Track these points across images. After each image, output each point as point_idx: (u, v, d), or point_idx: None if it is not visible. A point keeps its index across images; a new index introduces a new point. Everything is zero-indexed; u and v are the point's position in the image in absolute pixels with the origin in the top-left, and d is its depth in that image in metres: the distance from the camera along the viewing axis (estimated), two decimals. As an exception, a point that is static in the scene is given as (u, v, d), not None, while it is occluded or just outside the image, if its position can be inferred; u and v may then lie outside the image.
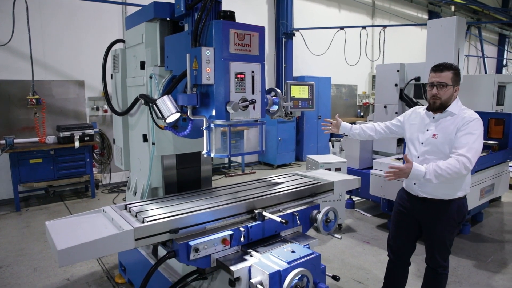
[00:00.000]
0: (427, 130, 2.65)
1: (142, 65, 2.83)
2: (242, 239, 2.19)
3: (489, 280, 3.70)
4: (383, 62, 9.27)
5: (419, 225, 2.76)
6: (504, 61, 20.11)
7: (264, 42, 2.40)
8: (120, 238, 1.80)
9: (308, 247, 2.33)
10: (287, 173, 3.25)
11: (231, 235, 2.13)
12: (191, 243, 1.98)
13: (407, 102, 5.25)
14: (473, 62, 17.82)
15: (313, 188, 2.78)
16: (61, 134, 6.09)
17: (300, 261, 2.00)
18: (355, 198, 6.06)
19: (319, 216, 2.51)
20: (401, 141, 5.56)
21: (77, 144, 6.07)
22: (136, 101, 2.89)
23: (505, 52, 19.96)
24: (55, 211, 5.85)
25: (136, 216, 2.12)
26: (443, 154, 2.52)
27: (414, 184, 2.69)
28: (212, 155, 2.34)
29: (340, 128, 3.16)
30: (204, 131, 2.34)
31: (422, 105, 3.02)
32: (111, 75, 3.49)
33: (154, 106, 2.35)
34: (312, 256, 2.07)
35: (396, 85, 5.35)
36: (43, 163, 5.98)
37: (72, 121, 6.68)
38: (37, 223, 5.28)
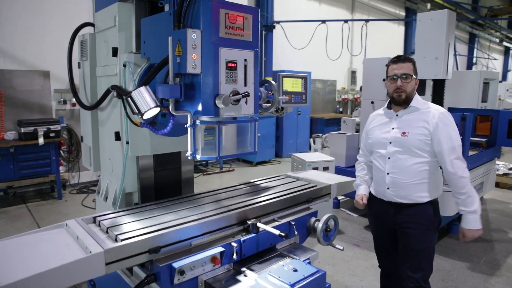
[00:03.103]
0: (392, 128, 2.45)
1: (115, 52, 2.44)
2: (234, 256, 1.87)
3: (486, 284, 3.55)
4: (365, 57, 9.12)
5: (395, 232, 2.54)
6: (474, 59, 20.65)
7: (258, 26, 2.07)
8: (86, 264, 1.44)
9: (309, 262, 2.05)
10: (278, 175, 2.95)
11: (221, 252, 1.81)
12: (176, 264, 1.64)
13: (395, 98, 5.05)
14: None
15: (310, 193, 2.50)
16: (22, 130, 5.54)
17: (304, 282, 1.72)
18: (340, 197, 5.85)
19: (319, 226, 2.23)
20: (388, 138, 5.38)
21: (41, 140, 5.54)
22: (107, 93, 2.50)
23: (475, 50, 20.48)
24: (15, 215, 5.30)
25: (107, 232, 1.75)
26: (414, 152, 2.36)
27: (388, 189, 2.44)
28: (198, 157, 2.00)
29: (367, 191, 2.74)
30: (189, 129, 1.99)
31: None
32: (78, 63, 3.07)
33: (129, 99, 1.98)
34: (317, 275, 1.79)
35: (384, 80, 5.13)
36: (1, 161, 5.42)
37: (37, 115, 6.11)
38: (-6, 230, 4.76)
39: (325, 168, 4.64)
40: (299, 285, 1.68)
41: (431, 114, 2.35)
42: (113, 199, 2.62)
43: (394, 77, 2.39)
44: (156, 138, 2.43)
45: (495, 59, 21.52)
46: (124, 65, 2.30)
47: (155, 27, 2.14)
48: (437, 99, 4.57)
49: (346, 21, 8.93)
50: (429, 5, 14.53)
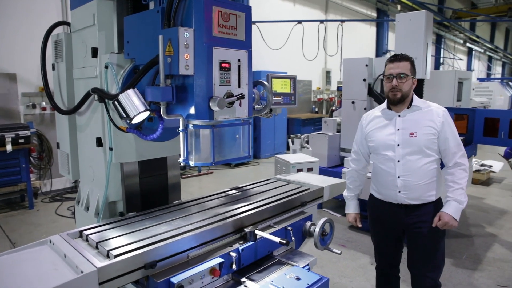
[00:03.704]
0: (398, 130, 2.41)
1: (94, 52, 2.29)
2: (233, 266, 1.78)
3: (470, 279, 3.62)
4: (341, 57, 9.23)
5: (403, 232, 2.54)
6: (441, 59, 21.42)
7: (250, 25, 1.99)
8: (77, 285, 1.30)
9: (309, 269, 1.98)
10: (268, 178, 2.87)
11: (220, 264, 1.71)
12: (174, 279, 1.53)
13: (376, 97, 5.10)
14: (416, 60, 18.65)
15: (304, 196, 2.44)
16: (-12, 137, 5.20)
17: (309, 291, 1.64)
18: (322, 197, 5.84)
19: (317, 230, 2.17)
20: (369, 138, 5.42)
21: (9, 147, 5.22)
22: (87, 96, 2.34)
23: (442, 50, 21.24)
24: (-18, 228, 4.97)
25: (97, 248, 1.61)
26: (425, 152, 2.36)
27: (399, 192, 2.42)
28: (192, 163, 1.89)
29: (358, 209, 2.79)
30: (181, 133, 1.88)
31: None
32: (53, 65, 2.87)
33: (116, 103, 1.84)
34: (322, 282, 1.72)
35: (364, 80, 5.18)
36: (-34, 171, 5.07)
37: (3, 121, 5.76)
38: (-40, 244, 4.43)
39: (310, 169, 4.60)
40: (305, 295, 1.61)
41: (435, 113, 2.36)
42: (95, 209, 2.47)
43: (390, 76, 2.36)
44: (142, 144, 2.30)
45: (460, 59, 22.38)
46: (106, 67, 2.16)
47: (140, 26, 2.01)
48: (417, 98, 4.63)
49: (322, 21, 9.00)
50: (399, 7, 14.90)
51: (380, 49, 15.62)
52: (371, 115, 2.62)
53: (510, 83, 13.44)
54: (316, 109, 12.71)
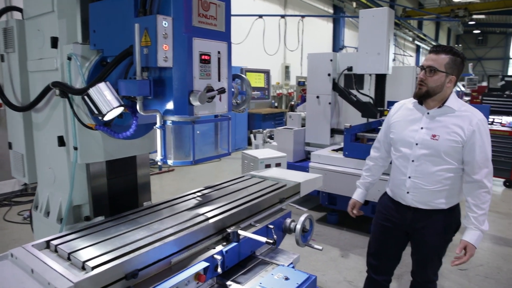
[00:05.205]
0: (421, 128, 2.23)
1: (54, 42, 2.07)
2: (218, 269, 1.69)
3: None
4: (301, 52, 9.32)
5: (407, 237, 2.45)
6: (393, 55, 22.39)
7: (230, 16, 1.89)
8: (53, 304, 1.16)
9: (293, 267, 1.94)
10: (243, 175, 2.79)
11: (205, 268, 1.62)
12: (158, 289, 1.42)
13: (340, 92, 5.17)
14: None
15: (282, 192, 2.39)
16: None
17: (300, 291, 1.59)
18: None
19: (298, 227, 2.14)
20: (334, 132, 5.50)
21: None
22: (46, 91, 2.12)
23: (394, 47, 22.21)
24: None
25: (69, 259, 1.45)
26: (442, 158, 2.17)
27: (408, 193, 2.29)
28: (170, 162, 1.77)
29: (362, 199, 2.68)
30: (158, 131, 1.75)
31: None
32: (2, 56, 2.59)
33: (85, 98, 1.67)
34: (310, 281, 1.68)
35: (329, 75, 5.23)
36: None
37: None
38: None
39: (278, 164, 4.58)
40: (296, 296, 1.56)
41: (468, 120, 2.13)
42: (57, 214, 2.26)
43: (422, 67, 2.17)
44: (110, 142, 2.13)
45: (410, 55, 23.52)
46: (69, 58, 1.96)
47: (109, 14, 1.84)
48: (379, 93, 4.76)
49: (283, 16, 9.01)
50: (354, 4, 15.32)
51: (337, 45, 15.99)
52: (403, 104, 2.42)
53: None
54: (276, 104, 12.76)
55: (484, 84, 15.14)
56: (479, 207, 2.17)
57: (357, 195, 2.67)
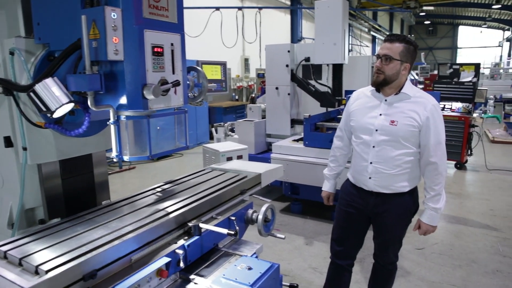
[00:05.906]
0: (380, 114, 2.30)
1: (-6, 36, 1.95)
2: (181, 264, 1.68)
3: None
4: (260, 44, 9.33)
5: (369, 222, 2.54)
6: (350, 46, 23.00)
7: (182, 7, 1.86)
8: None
9: (256, 257, 1.96)
10: (203, 168, 2.78)
11: (167, 263, 1.60)
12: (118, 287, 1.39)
13: (299, 82, 5.24)
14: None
15: (243, 184, 2.40)
16: None
17: (263, 279, 1.62)
18: (252, 184, 5.90)
19: (260, 217, 2.16)
20: (294, 122, 5.58)
21: None
22: (-13, 89, 1.99)
23: (350, 38, 22.80)
24: None
25: (20, 264, 1.38)
26: (401, 144, 2.25)
27: (370, 178, 2.36)
28: (126, 158, 1.73)
29: (334, 189, 2.76)
30: (112, 126, 1.70)
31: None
32: None
33: (32, 95, 1.59)
34: (273, 269, 1.71)
35: (287, 65, 5.28)
36: None
37: None
38: None
39: (239, 157, 4.59)
40: (259, 283, 1.58)
41: (423, 106, 2.22)
42: (8, 218, 2.14)
43: (377, 56, 2.22)
44: (63, 140, 2.04)
45: (366, 46, 24.24)
46: (12, 53, 1.85)
47: (54, 5, 1.75)
48: (337, 83, 4.88)
49: (240, 8, 8.95)
50: (311, -4, 15.52)
51: (295, 37, 16.16)
52: (361, 93, 2.47)
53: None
54: (237, 97, 12.73)
55: (436, 72, 15.92)
56: (432, 188, 2.31)
57: (329, 187, 2.74)
